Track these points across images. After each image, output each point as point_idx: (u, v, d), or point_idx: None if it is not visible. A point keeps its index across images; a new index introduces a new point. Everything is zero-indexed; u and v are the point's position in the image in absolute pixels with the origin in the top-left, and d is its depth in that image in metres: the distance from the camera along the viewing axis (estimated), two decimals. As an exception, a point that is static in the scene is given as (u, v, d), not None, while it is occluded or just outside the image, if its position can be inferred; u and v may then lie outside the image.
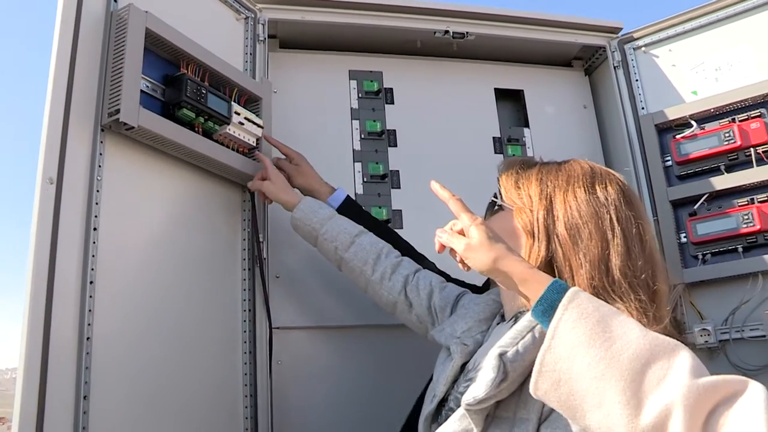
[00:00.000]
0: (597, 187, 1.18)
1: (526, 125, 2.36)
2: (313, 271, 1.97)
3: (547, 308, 0.97)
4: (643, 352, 0.86)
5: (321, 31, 2.16)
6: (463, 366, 1.29)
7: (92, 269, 1.36)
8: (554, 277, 1.03)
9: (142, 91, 1.51)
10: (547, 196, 1.19)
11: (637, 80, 2.30)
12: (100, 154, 1.44)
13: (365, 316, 1.92)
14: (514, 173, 1.28)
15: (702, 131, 2.10)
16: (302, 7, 2.08)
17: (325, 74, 2.22)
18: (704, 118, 2.12)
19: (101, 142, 1.44)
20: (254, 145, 1.82)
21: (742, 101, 2.06)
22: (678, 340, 0.91)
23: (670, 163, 2.16)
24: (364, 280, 1.62)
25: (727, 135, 2.03)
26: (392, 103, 2.24)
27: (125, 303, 1.46)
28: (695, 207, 2.07)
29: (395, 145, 2.19)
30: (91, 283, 1.35)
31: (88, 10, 1.46)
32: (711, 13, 2.20)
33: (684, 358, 0.86)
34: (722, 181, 2.03)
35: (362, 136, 2.17)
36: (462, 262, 1.13)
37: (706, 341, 1.97)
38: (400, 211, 2.12)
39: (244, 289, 1.80)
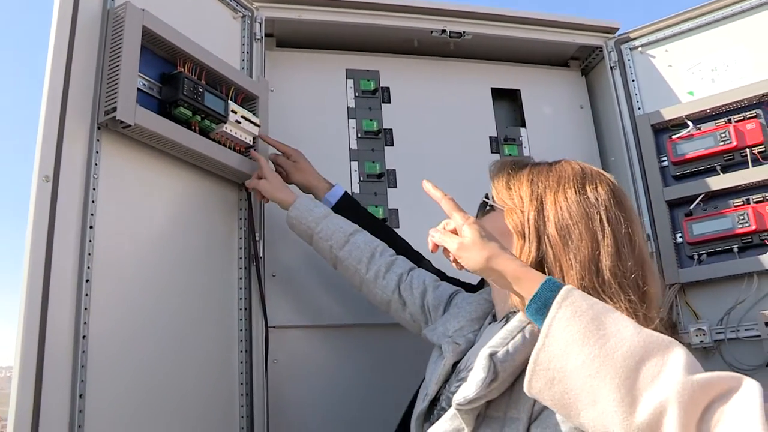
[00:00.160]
0: (587, 188, 1.18)
1: (523, 125, 2.36)
2: (309, 270, 1.97)
3: (540, 306, 0.97)
4: (637, 350, 0.86)
5: (318, 29, 2.16)
6: (455, 365, 1.29)
7: (88, 267, 1.36)
8: None
9: (138, 89, 1.51)
10: (537, 197, 1.19)
11: (633, 80, 2.30)
12: (97, 152, 1.43)
13: (361, 315, 1.92)
14: (505, 174, 1.28)
15: (698, 132, 2.10)
16: (299, 5, 2.08)
17: (322, 73, 2.22)
18: (700, 118, 2.13)
19: (98, 140, 1.44)
20: (251, 143, 1.82)
21: (738, 102, 2.06)
22: None
23: (666, 163, 2.16)
24: (359, 278, 1.63)
25: (723, 135, 2.04)
26: (389, 102, 2.25)
27: (121, 301, 1.45)
28: (691, 207, 2.08)
29: (392, 145, 2.19)
30: (87, 281, 1.35)
31: (85, 8, 1.45)
32: (707, 13, 2.21)
33: (678, 354, 0.86)
34: (718, 182, 2.04)
35: (359, 135, 2.17)
36: (455, 261, 1.14)
37: (702, 341, 1.97)
38: (397, 210, 2.12)
39: (241, 288, 1.80)
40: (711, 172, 2.08)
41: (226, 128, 1.71)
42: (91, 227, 1.38)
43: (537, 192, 1.19)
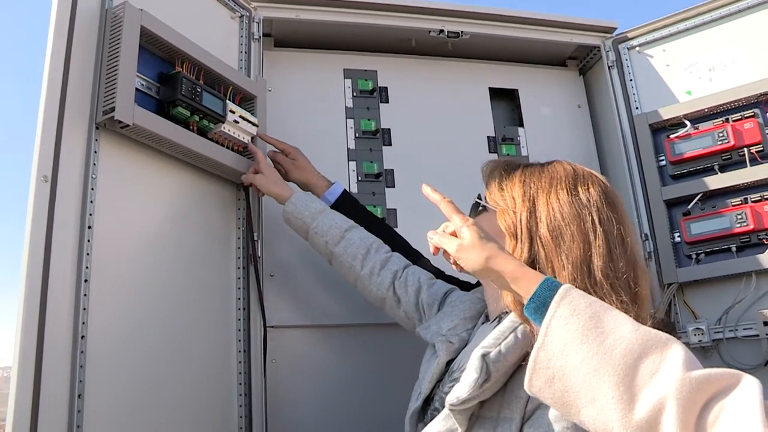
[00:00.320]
0: (579, 189, 1.18)
1: (521, 125, 2.36)
2: (307, 269, 1.97)
3: (539, 305, 0.97)
4: (635, 347, 0.87)
5: (316, 29, 2.16)
6: (449, 363, 1.31)
7: (87, 267, 1.36)
8: None
9: (137, 89, 1.51)
10: (530, 198, 1.19)
11: (631, 80, 2.31)
12: (95, 152, 1.43)
13: (360, 314, 1.92)
14: (497, 174, 1.29)
15: (696, 131, 2.11)
16: (297, 5, 2.08)
17: (320, 73, 2.22)
18: (698, 117, 2.14)
19: (96, 140, 1.44)
20: (249, 143, 1.82)
21: (735, 101, 2.07)
22: None
23: (664, 162, 2.17)
24: (354, 275, 1.63)
25: (720, 135, 2.04)
26: (387, 102, 2.25)
27: (120, 301, 1.45)
28: (689, 206, 2.08)
29: (390, 144, 2.20)
30: (85, 281, 1.35)
31: (83, 8, 1.45)
32: (705, 13, 2.21)
33: (677, 351, 0.86)
34: (716, 181, 2.04)
35: (357, 134, 2.17)
36: (456, 263, 1.14)
37: (700, 340, 1.98)
38: (395, 209, 2.12)
39: (239, 288, 1.80)
40: (709, 171, 2.08)
41: (224, 128, 1.71)
42: (89, 227, 1.38)
43: (529, 193, 1.20)
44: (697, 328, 1.99)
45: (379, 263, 1.61)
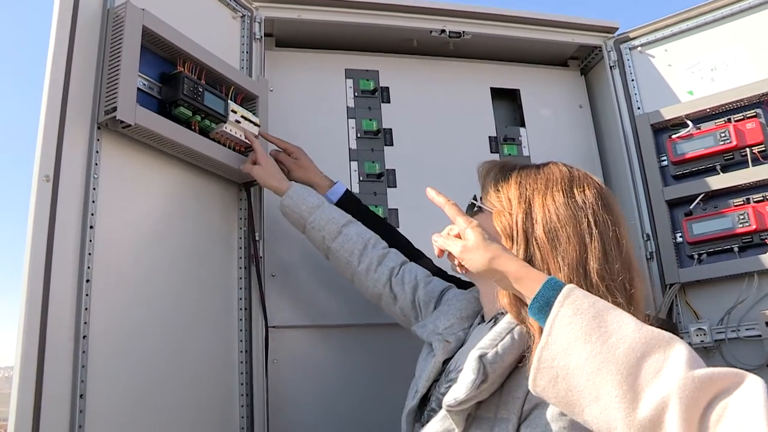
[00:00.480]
0: (575, 191, 1.19)
1: (522, 125, 2.36)
2: (309, 269, 1.97)
3: (543, 305, 0.98)
4: (638, 346, 0.87)
5: (317, 29, 2.16)
6: (445, 362, 1.31)
7: (88, 267, 1.36)
8: None
9: (138, 89, 1.51)
10: (526, 200, 1.19)
11: (633, 80, 2.31)
12: (97, 152, 1.43)
13: (361, 315, 1.92)
14: (493, 176, 1.29)
15: (698, 131, 2.10)
16: (298, 5, 2.08)
17: (322, 73, 2.22)
18: (700, 118, 2.13)
19: (98, 139, 1.44)
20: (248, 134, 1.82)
21: (737, 101, 2.07)
22: None
23: (665, 162, 2.16)
24: (350, 270, 1.63)
25: (722, 135, 2.04)
26: (388, 102, 2.24)
27: (121, 301, 1.45)
28: (691, 207, 2.08)
29: (391, 144, 2.19)
30: (87, 281, 1.35)
31: (85, 8, 1.45)
32: (707, 13, 2.21)
33: (680, 350, 0.87)
34: (718, 181, 2.04)
35: (358, 134, 2.17)
36: (460, 265, 1.15)
37: (702, 341, 1.97)
38: (396, 210, 2.12)
39: (240, 288, 1.80)
40: (711, 171, 2.08)
41: (226, 128, 1.71)
42: (91, 227, 1.38)
43: (525, 194, 1.20)
44: (699, 329, 1.98)
45: (376, 259, 1.60)
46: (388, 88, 2.26)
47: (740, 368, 1.85)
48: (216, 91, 1.71)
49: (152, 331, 1.51)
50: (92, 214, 1.39)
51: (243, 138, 1.77)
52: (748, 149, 2.01)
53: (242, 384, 1.73)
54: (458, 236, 1.14)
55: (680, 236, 2.09)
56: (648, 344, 0.87)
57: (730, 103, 2.08)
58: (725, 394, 0.82)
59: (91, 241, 1.37)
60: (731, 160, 2.04)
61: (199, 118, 1.65)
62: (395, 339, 1.80)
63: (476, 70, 2.38)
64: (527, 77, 2.44)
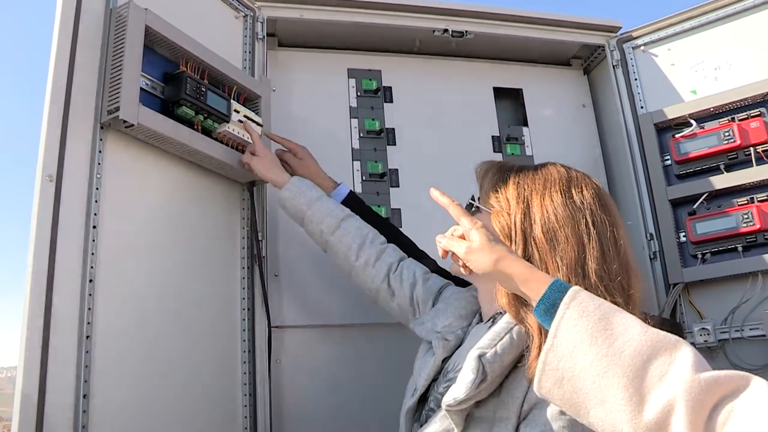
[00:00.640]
0: (573, 191, 1.19)
1: (525, 124, 2.36)
2: (312, 269, 1.97)
3: (548, 307, 0.97)
4: (644, 348, 0.87)
5: (320, 29, 2.16)
6: (444, 361, 1.31)
7: (92, 267, 1.36)
8: None
9: (141, 88, 1.51)
10: (524, 200, 1.20)
11: (636, 79, 2.30)
12: (100, 151, 1.43)
13: (364, 314, 1.92)
14: (491, 176, 1.29)
15: (701, 130, 2.10)
16: (301, 5, 2.08)
17: (324, 73, 2.22)
18: (703, 117, 2.13)
19: (101, 139, 1.44)
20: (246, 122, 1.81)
21: (741, 100, 2.06)
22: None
23: (669, 162, 2.16)
24: (348, 265, 1.63)
25: (726, 134, 2.03)
26: (391, 101, 2.24)
27: (125, 301, 1.45)
28: (695, 206, 2.07)
29: (394, 144, 2.19)
30: (90, 281, 1.35)
31: (88, 8, 1.45)
32: (710, 12, 2.21)
33: (686, 353, 0.87)
34: (722, 181, 2.03)
35: (361, 134, 2.17)
36: (464, 266, 1.14)
37: (706, 340, 1.97)
38: (399, 209, 2.12)
39: (243, 288, 1.80)
40: (715, 170, 2.07)
41: (228, 128, 1.71)
42: (94, 227, 1.38)
43: (523, 195, 1.21)
44: (703, 328, 1.98)
45: (375, 255, 1.60)
46: (390, 87, 2.26)
47: (744, 368, 1.86)
48: (218, 90, 1.71)
49: (155, 332, 1.51)
50: (95, 214, 1.39)
51: (245, 137, 1.77)
52: (752, 148, 2.00)
53: (245, 384, 1.73)
54: (462, 237, 1.14)
55: (684, 236, 2.08)
56: (654, 347, 0.87)
57: (733, 102, 2.07)
58: (731, 397, 0.82)
59: (94, 241, 1.37)
60: (735, 159, 2.03)
61: (201, 117, 1.65)
62: (399, 338, 1.80)
63: (479, 69, 2.38)
64: (530, 77, 2.43)
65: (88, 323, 1.32)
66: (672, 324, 1.96)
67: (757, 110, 2.03)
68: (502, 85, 2.39)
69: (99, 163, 1.42)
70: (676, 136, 2.14)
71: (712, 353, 1.98)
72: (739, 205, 2.00)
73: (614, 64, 2.32)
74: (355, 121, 2.18)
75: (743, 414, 0.79)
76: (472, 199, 1.32)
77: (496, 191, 1.25)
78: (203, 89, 1.64)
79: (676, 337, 0.90)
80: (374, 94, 2.23)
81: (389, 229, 1.75)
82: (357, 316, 1.95)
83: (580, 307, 0.93)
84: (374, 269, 1.59)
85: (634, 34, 2.34)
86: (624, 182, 2.25)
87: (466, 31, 2.21)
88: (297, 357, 1.91)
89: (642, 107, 2.26)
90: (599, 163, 2.37)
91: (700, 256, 2.04)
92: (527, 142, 2.33)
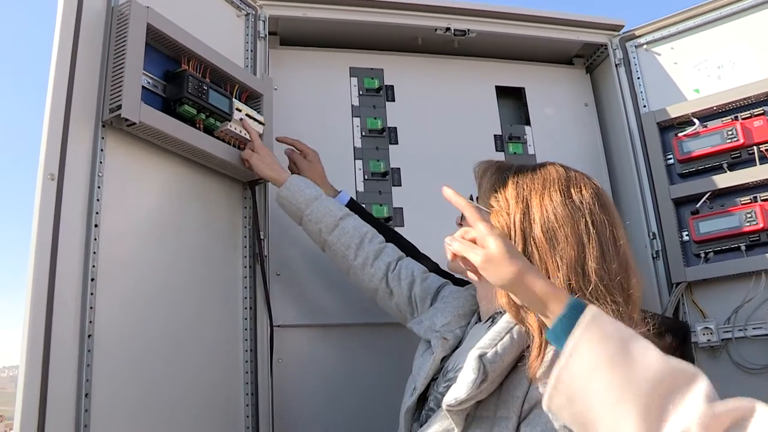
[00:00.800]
0: (572, 191, 1.19)
1: (527, 123, 2.36)
2: (313, 269, 1.96)
3: (567, 327, 0.93)
4: (663, 378, 0.86)
5: (322, 28, 2.16)
6: (443, 360, 1.31)
7: (93, 266, 1.35)
8: None
9: (143, 87, 1.51)
10: (523, 200, 1.19)
11: (638, 78, 2.29)
12: (101, 150, 1.43)
13: (366, 314, 1.91)
14: (490, 176, 1.29)
15: (704, 129, 2.10)
16: (303, 3, 2.08)
17: (326, 71, 2.22)
18: (707, 115, 2.12)
19: (102, 138, 1.44)
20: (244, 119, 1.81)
21: (744, 99, 2.05)
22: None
23: (672, 161, 2.15)
24: (347, 264, 1.63)
25: (729, 133, 2.03)
26: (393, 100, 2.24)
27: (126, 300, 1.45)
28: (698, 205, 2.07)
29: (396, 143, 2.19)
30: (92, 280, 1.34)
31: (89, 6, 1.45)
32: (713, 11, 2.20)
33: (702, 385, 0.86)
34: (725, 179, 2.03)
35: (363, 133, 2.16)
36: (476, 272, 1.10)
37: (709, 340, 1.97)
38: (401, 208, 2.11)
39: (245, 287, 1.80)
40: (718, 169, 2.07)
41: (230, 126, 1.71)
42: (96, 225, 1.38)
43: (522, 194, 1.20)
44: (706, 328, 1.97)
45: (373, 254, 1.60)
46: (392, 86, 2.25)
47: (747, 367, 1.86)
48: (220, 89, 1.71)
49: (157, 330, 1.51)
50: (97, 213, 1.39)
51: (247, 136, 1.76)
52: (755, 147, 2.00)
53: (247, 383, 1.73)
54: (473, 240, 1.07)
55: (687, 235, 2.08)
56: (673, 378, 0.86)
57: (737, 100, 2.07)
58: (738, 427, 0.82)
59: (95, 239, 1.37)
60: (738, 158, 2.03)
61: (203, 116, 1.65)
62: (400, 338, 1.79)
63: (481, 68, 2.38)
64: (532, 75, 2.43)
65: (90, 322, 1.32)
66: (679, 323, 1.95)
67: (761, 109, 2.03)
68: (504, 84, 2.39)
69: (101, 162, 1.42)
70: (679, 134, 2.14)
71: (715, 353, 1.98)
72: (742, 204, 2.00)
73: (617, 62, 2.31)
74: (357, 120, 2.18)
75: None
76: (471, 198, 1.31)
77: (495, 191, 1.24)
78: (205, 87, 1.64)
79: (694, 368, 0.89)
80: (376, 93, 2.22)
81: (390, 235, 1.75)
82: (359, 315, 1.95)
83: (600, 330, 0.91)
84: (372, 268, 1.59)
85: (637, 33, 2.33)
86: (627, 181, 2.25)
87: (469, 30, 2.21)
88: (298, 356, 1.91)
89: (645, 106, 2.25)
90: (602, 162, 2.36)
91: (703, 255, 2.04)
92: (529, 141, 2.32)
